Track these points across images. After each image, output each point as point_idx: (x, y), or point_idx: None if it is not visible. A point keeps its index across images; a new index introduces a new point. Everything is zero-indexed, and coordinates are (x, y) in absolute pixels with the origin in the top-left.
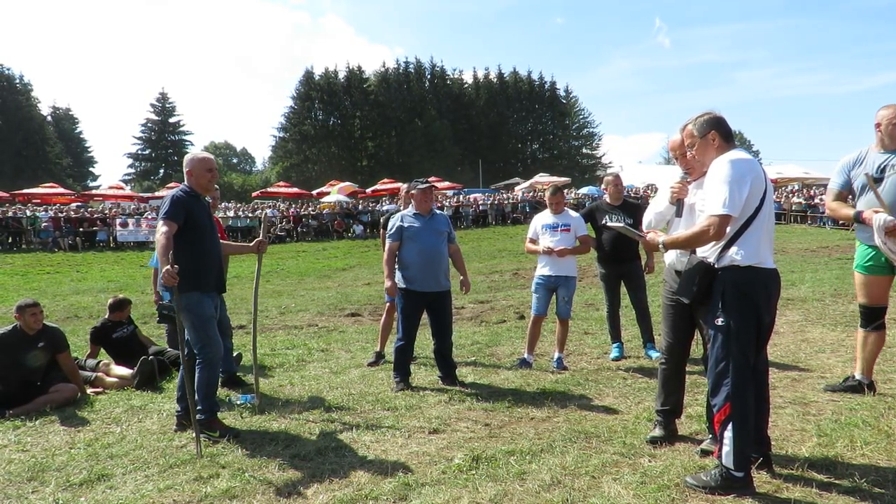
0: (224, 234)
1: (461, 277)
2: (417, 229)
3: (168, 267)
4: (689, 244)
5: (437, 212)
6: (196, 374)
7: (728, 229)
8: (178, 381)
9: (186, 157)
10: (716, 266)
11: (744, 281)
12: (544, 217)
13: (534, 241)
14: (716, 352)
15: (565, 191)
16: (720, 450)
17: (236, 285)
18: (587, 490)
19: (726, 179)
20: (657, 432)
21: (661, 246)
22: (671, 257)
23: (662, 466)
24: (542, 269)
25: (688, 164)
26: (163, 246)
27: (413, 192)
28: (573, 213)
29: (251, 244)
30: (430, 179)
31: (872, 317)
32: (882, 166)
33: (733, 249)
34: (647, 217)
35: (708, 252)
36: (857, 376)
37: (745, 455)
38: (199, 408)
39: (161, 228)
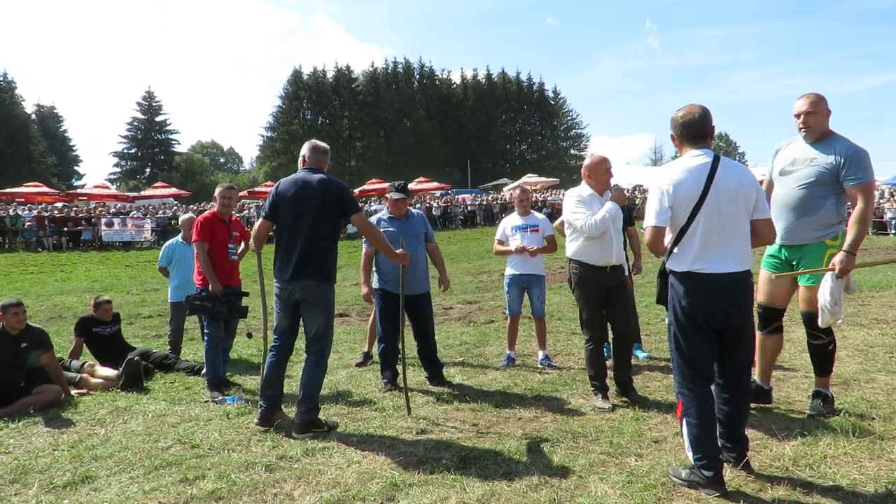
0: (245, 232)
1: (440, 276)
2: (394, 234)
3: (400, 250)
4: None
5: (413, 211)
6: (311, 370)
7: (667, 238)
8: (265, 372)
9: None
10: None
11: (678, 285)
12: (512, 219)
13: (502, 243)
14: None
15: (553, 191)
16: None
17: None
18: (574, 489)
19: (651, 193)
20: (605, 403)
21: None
22: (607, 255)
23: (649, 466)
24: (512, 269)
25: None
26: (377, 238)
27: (389, 196)
28: (539, 215)
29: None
30: (419, 179)
31: (770, 318)
32: (794, 159)
33: (672, 256)
34: (601, 215)
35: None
36: (757, 381)
37: (706, 453)
38: (308, 405)
39: (370, 220)
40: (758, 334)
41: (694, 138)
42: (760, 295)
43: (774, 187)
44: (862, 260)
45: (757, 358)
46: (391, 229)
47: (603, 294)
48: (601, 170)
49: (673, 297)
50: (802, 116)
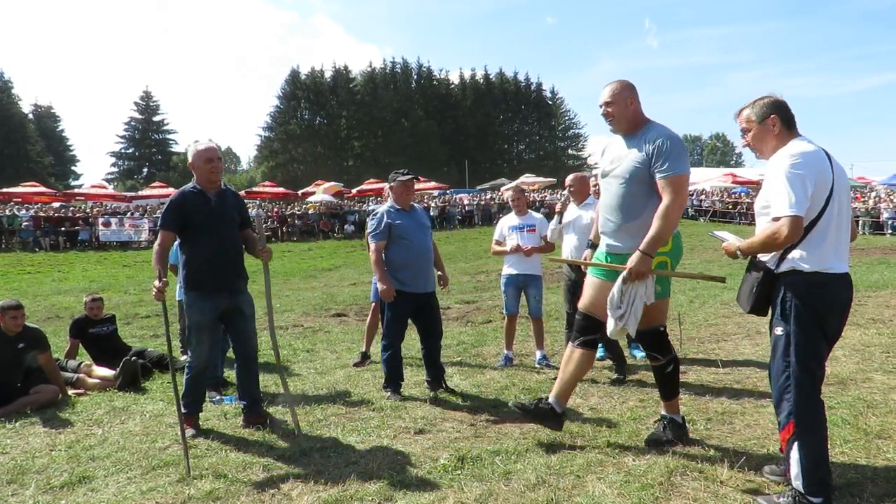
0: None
1: (439, 273)
2: (405, 226)
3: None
4: (763, 249)
5: (415, 205)
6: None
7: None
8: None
9: (189, 150)
10: (776, 271)
11: (807, 288)
12: (510, 219)
13: (499, 243)
14: (776, 364)
15: (551, 191)
16: (789, 471)
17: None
18: (572, 489)
19: (788, 177)
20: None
21: (738, 253)
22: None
23: (646, 465)
24: (509, 269)
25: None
26: (155, 258)
27: (393, 184)
28: (536, 215)
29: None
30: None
31: (589, 329)
32: (613, 157)
33: (796, 254)
34: (550, 227)
35: (767, 256)
36: (551, 399)
37: (820, 478)
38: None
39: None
40: (568, 346)
41: (792, 125)
42: (584, 300)
43: (601, 191)
44: (694, 268)
45: (560, 373)
46: (403, 222)
47: (570, 283)
48: (573, 184)
49: (795, 303)
50: (603, 107)
